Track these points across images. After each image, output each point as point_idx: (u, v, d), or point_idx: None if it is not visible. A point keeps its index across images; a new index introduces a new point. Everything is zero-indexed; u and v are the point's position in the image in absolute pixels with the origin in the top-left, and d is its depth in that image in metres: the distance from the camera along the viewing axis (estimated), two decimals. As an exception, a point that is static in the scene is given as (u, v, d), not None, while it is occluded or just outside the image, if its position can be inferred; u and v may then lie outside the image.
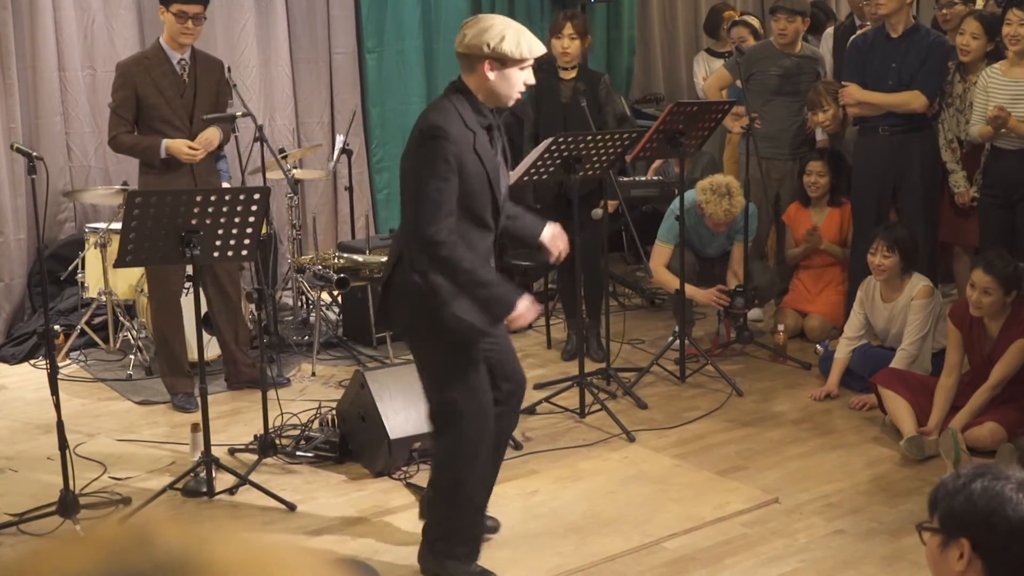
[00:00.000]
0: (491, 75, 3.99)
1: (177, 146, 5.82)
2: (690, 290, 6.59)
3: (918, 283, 6.05)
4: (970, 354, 5.50)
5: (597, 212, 6.45)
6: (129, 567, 0.67)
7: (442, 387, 4.07)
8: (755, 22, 8.41)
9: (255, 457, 5.28)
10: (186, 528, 0.73)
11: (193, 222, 4.69)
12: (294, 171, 7.20)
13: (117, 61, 6.26)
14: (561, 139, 5.58)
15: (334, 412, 5.56)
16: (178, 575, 0.67)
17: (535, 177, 5.80)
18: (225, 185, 6.95)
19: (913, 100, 6.45)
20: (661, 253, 6.84)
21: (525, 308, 3.92)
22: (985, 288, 5.27)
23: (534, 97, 6.64)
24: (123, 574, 0.67)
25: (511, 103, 4.12)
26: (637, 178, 8.06)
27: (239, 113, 5.91)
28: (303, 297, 7.52)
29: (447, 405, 4.06)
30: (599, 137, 5.71)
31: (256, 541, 0.73)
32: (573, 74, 6.64)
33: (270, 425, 5.39)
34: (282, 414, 5.72)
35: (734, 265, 6.92)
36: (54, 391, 4.65)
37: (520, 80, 4.06)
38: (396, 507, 4.90)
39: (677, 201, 6.59)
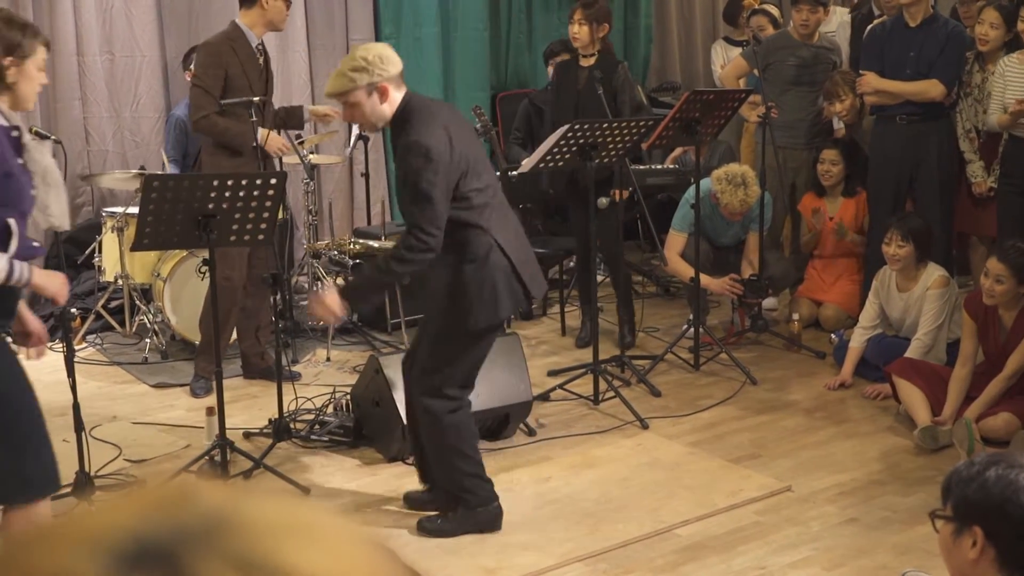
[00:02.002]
0: None
1: (274, 140, 5.86)
2: (704, 279, 6.59)
3: (934, 273, 6.03)
4: (985, 344, 5.49)
5: (603, 201, 6.44)
6: (172, 521, 0.68)
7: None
8: (775, 11, 8.39)
9: (270, 441, 5.30)
10: (228, 488, 0.74)
11: (210, 206, 4.70)
12: (310, 157, 7.21)
13: (203, 40, 6.23)
14: (577, 126, 5.58)
15: (348, 397, 5.57)
16: (221, 531, 0.68)
17: (551, 164, 5.81)
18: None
19: (931, 89, 6.43)
20: (676, 241, 6.83)
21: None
22: (998, 276, 5.26)
23: (556, 84, 6.63)
24: (166, 527, 0.68)
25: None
26: (653, 166, 8.06)
27: (256, 99, 5.91)
28: (319, 282, 7.53)
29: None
30: (615, 124, 5.71)
31: (295, 505, 0.74)
32: (591, 61, 6.62)
33: (285, 409, 5.41)
34: (297, 399, 5.74)
35: (749, 254, 6.92)
36: (70, 374, 4.67)
37: None
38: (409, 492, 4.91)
39: (692, 189, 6.59)
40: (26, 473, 3.57)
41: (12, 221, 3.56)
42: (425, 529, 4.54)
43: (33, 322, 3.87)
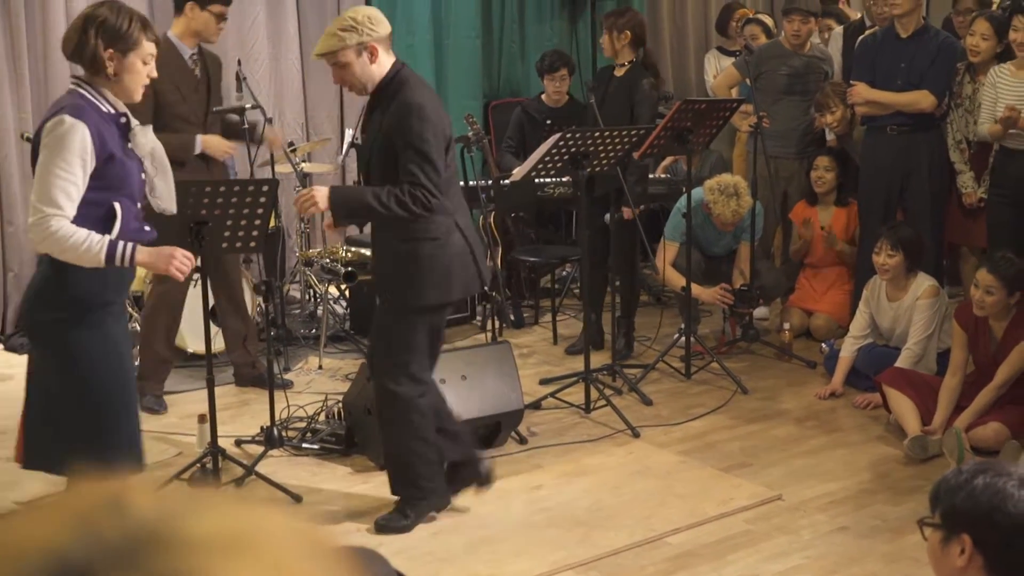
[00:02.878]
0: None
1: (215, 142, 5.77)
2: (695, 289, 6.61)
3: (924, 283, 6.06)
4: (975, 354, 5.51)
5: (608, 218, 6.48)
6: (97, 536, 0.64)
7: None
8: (768, 21, 8.43)
9: (261, 448, 5.30)
10: (164, 497, 0.69)
11: (202, 212, 4.70)
12: (303, 165, 7.22)
13: None
14: (569, 135, 5.60)
15: (340, 405, 5.58)
16: (148, 549, 0.63)
17: (543, 173, 5.83)
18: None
19: (922, 100, 6.46)
20: (668, 251, 6.85)
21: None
22: (988, 287, 5.28)
23: (593, 92, 6.65)
24: (90, 543, 0.64)
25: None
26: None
27: (248, 106, 5.92)
28: (311, 290, 7.54)
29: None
30: (607, 133, 5.72)
31: (239, 513, 0.69)
32: (622, 71, 6.66)
33: (277, 417, 5.42)
34: (288, 406, 5.74)
35: (740, 264, 6.94)
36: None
37: None
38: (401, 500, 4.92)
39: (684, 199, 6.61)
40: (103, 456, 3.68)
41: (117, 204, 3.66)
42: (384, 528, 4.57)
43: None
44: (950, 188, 6.73)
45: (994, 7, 7.31)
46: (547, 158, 5.65)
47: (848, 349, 6.26)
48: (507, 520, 4.70)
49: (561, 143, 5.59)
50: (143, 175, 3.80)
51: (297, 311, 7.62)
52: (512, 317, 7.52)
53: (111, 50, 3.69)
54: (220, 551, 0.64)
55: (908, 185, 6.63)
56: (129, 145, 3.76)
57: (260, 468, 5.07)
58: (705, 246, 6.96)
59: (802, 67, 7.41)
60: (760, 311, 7.40)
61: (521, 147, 7.77)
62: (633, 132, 5.85)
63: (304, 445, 5.44)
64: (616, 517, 4.73)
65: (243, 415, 5.90)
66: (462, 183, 7.28)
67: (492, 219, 7.47)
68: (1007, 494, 2.27)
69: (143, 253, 3.67)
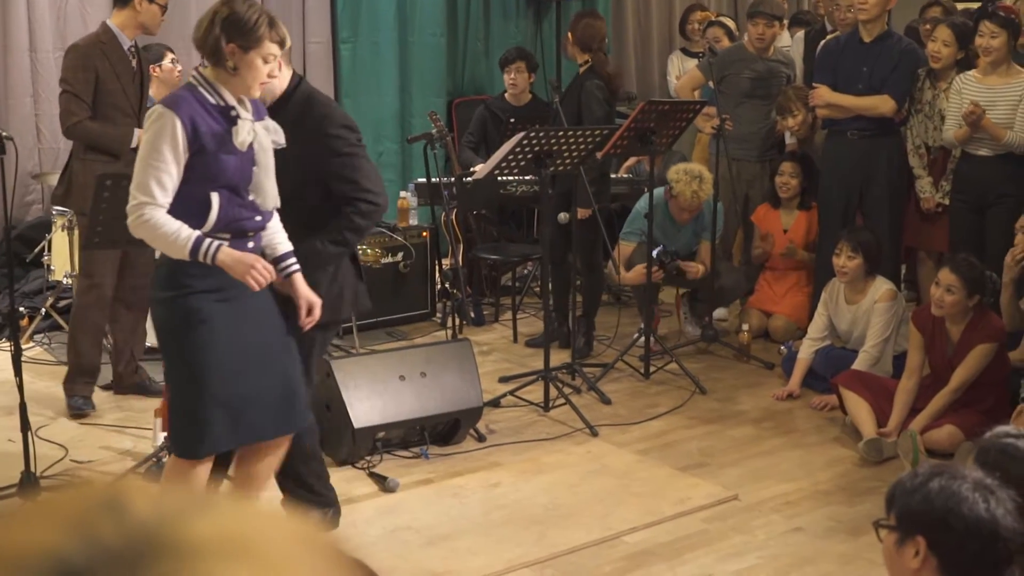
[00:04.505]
0: None
1: None
2: (631, 274, 6.70)
3: (882, 286, 6.11)
4: (931, 357, 5.56)
5: (563, 216, 6.49)
6: (96, 539, 0.63)
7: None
8: (731, 24, 8.46)
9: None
10: (163, 498, 0.67)
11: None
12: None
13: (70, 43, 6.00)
14: (532, 134, 5.61)
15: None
16: (148, 552, 0.62)
17: (506, 171, 5.83)
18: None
19: (882, 104, 6.51)
20: (623, 249, 6.89)
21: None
22: (949, 286, 5.33)
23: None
24: (89, 546, 0.62)
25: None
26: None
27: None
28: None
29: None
30: (570, 133, 5.73)
31: (239, 516, 0.67)
32: (581, 72, 6.69)
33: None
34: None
35: (702, 261, 6.96)
36: (17, 373, 4.64)
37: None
38: (359, 495, 4.91)
39: (645, 199, 6.63)
40: (182, 431, 3.82)
41: (215, 195, 3.68)
42: None
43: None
44: (909, 193, 6.79)
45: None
46: (510, 156, 5.65)
47: (806, 351, 6.30)
48: (464, 517, 4.70)
49: (524, 142, 5.59)
50: (254, 168, 3.79)
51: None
52: (472, 315, 7.52)
53: (232, 44, 3.70)
54: (220, 555, 0.63)
55: (867, 189, 6.68)
56: (235, 142, 3.75)
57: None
58: (666, 245, 6.98)
59: (765, 71, 7.44)
60: (719, 312, 7.44)
61: (481, 143, 7.77)
62: (597, 132, 5.86)
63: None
64: (573, 515, 4.74)
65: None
66: (424, 180, 7.32)
67: (454, 216, 7.47)
68: (962, 497, 2.29)
69: (225, 255, 3.65)
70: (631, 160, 8.07)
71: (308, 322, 3.96)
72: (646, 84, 9.99)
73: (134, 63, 5.74)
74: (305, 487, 4.40)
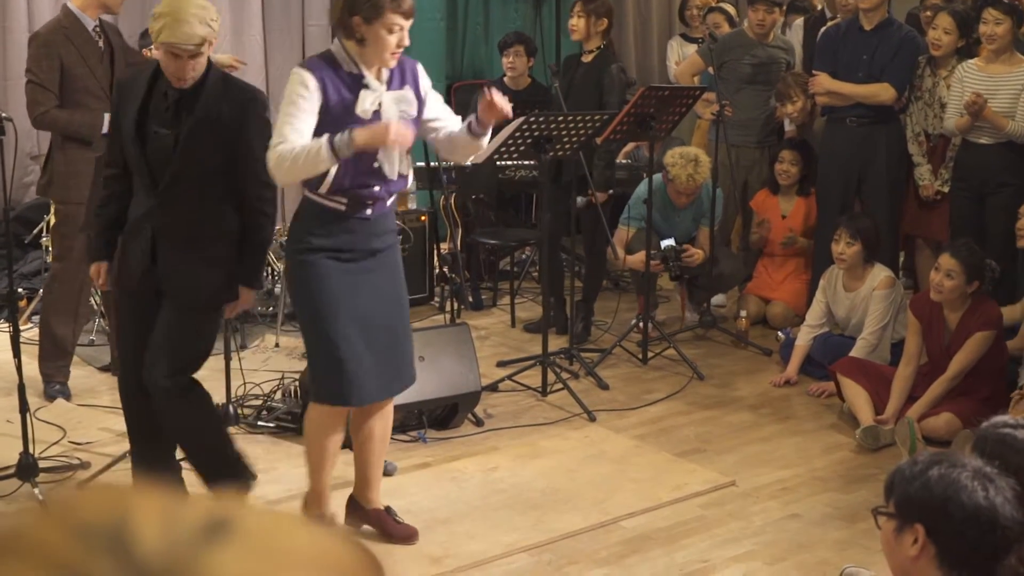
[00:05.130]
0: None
1: None
2: (632, 259, 6.69)
3: (880, 273, 6.11)
4: (929, 345, 5.57)
5: (579, 200, 6.49)
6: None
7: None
8: (731, 9, 8.44)
9: (217, 425, 5.27)
10: (174, 525, 0.58)
11: (161, 188, 4.66)
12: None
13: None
14: (532, 119, 5.60)
15: (296, 383, 5.56)
16: None
17: (505, 156, 5.82)
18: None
19: (882, 92, 6.51)
20: (622, 234, 6.88)
21: None
22: (949, 271, 5.33)
23: (560, 78, 6.61)
24: None
25: (173, 84, 4.05)
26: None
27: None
28: (268, 268, 7.50)
29: None
30: (570, 118, 5.72)
31: (260, 547, 0.59)
32: (590, 57, 6.64)
33: (232, 395, 5.40)
34: (244, 384, 5.72)
35: (701, 247, 6.96)
36: (16, 354, 4.63)
37: (164, 63, 4.04)
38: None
39: (644, 185, 6.63)
40: (316, 379, 4.13)
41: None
42: None
43: None
44: (908, 180, 6.78)
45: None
46: (510, 141, 5.64)
47: (804, 337, 6.31)
48: (462, 501, 4.71)
49: (524, 126, 5.58)
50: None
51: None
52: (471, 299, 7.52)
53: (357, 16, 3.85)
54: None
55: (866, 176, 6.68)
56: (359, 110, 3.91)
57: (215, 445, 5.04)
58: (664, 231, 6.98)
59: (766, 57, 7.43)
60: (717, 298, 7.44)
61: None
62: (596, 117, 5.85)
63: (259, 423, 5.42)
64: (571, 500, 4.75)
65: (198, 392, 5.85)
66: (423, 164, 7.31)
67: (453, 201, 7.46)
68: (961, 485, 2.30)
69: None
70: (629, 145, 8.05)
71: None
72: (646, 70, 9.97)
73: (101, 43, 5.61)
74: (229, 463, 4.46)
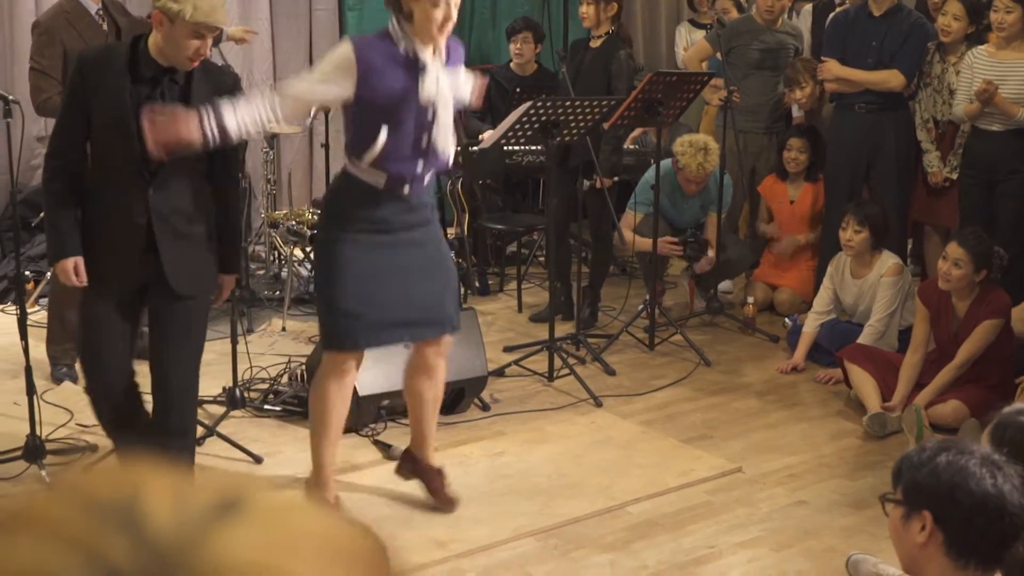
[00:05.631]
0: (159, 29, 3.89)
1: None
2: (643, 241, 6.66)
3: (888, 260, 6.10)
4: (937, 332, 5.56)
5: (585, 183, 6.47)
6: (105, 565, 0.54)
7: None
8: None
9: (223, 409, 5.28)
10: (184, 502, 0.58)
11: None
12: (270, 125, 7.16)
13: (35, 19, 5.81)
14: (540, 103, 5.59)
15: (303, 367, 5.56)
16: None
17: (512, 141, 5.81)
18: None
19: (891, 79, 6.49)
20: (630, 220, 6.87)
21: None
22: (956, 260, 5.32)
23: (567, 63, 6.60)
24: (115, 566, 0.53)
25: (179, 65, 3.92)
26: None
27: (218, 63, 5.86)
28: (275, 252, 7.51)
29: None
30: (577, 103, 5.71)
31: (270, 525, 0.58)
32: (599, 43, 6.61)
33: (239, 378, 5.40)
34: (251, 367, 5.72)
35: (708, 235, 6.96)
36: (23, 336, 4.64)
37: (183, 43, 3.84)
38: (363, 463, 4.92)
39: (652, 170, 6.62)
40: (326, 329, 4.21)
41: (383, 129, 3.91)
42: None
43: None
44: (916, 167, 6.77)
45: None
46: (517, 126, 5.63)
47: (811, 324, 6.30)
48: (468, 486, 4.70)
49: (532, 111, 5.57)
50: (429, 116, 3.98)
51: (261, 272, 7.58)
52: (477, 284, 7.51)
53: None
54: None
55: (875, 163, 6.66)
56: (417, 86, 3.94)
57: (221, 428, 5.05)
58: (672, 217, 6.97)
59: (774, 43, 7.41)
60: (724, 284, 7.43)
61: (488, 112, 7.74)
62: (604, 102, 5.84)
63: (266, 407, 5.43)
64: (577, 485, 4.75)
65: (205, 375, 5.78)
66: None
67: (460, 186, 7.45)
68: (969, 472, 2.29)
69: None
70: (637, 131, 8.04)
71: None
72: (653, 55, 9.94)
73: (104, 25, 5.56)
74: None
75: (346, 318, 4.07)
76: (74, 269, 3.99)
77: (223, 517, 0.57)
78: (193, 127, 3.72)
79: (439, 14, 3.85)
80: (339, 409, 4.26)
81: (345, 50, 3.88)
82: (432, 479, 4.52)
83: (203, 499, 0.58)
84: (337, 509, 4.30)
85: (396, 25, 3.93)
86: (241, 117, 3.81)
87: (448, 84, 3.99)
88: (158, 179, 3.93)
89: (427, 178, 4.12)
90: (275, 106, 3.87)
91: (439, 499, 4.49)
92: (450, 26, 3.93)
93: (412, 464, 4.57)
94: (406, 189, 4.03)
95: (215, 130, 3.75)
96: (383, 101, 3.89)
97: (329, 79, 3.90)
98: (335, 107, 4.09)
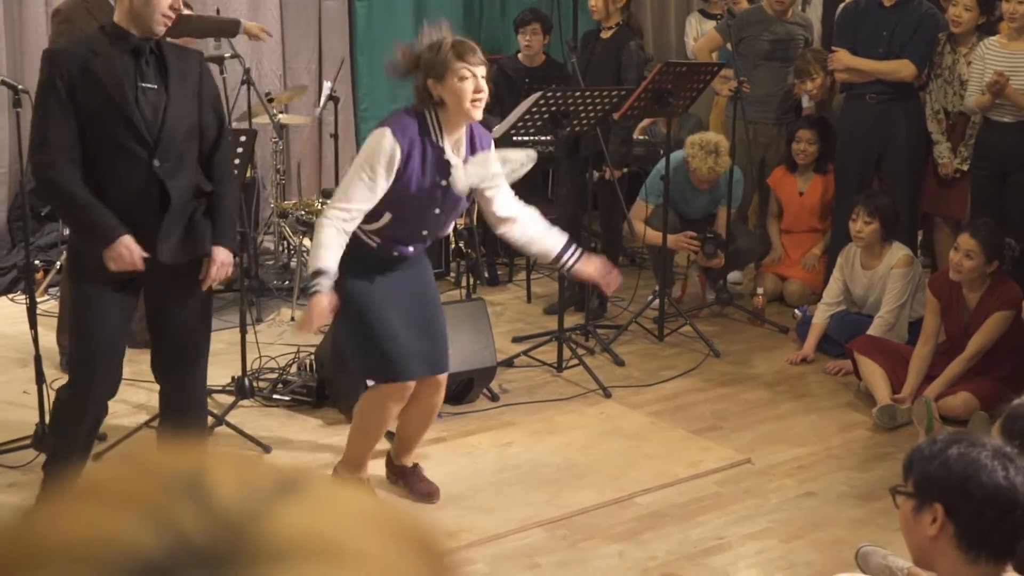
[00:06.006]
0: None
1: None
2: (652, 234, 6.64)
3: (898, 252, 6.08)
4: (947, 324, 5.54)
5: (593, 174, 6.47)
6: (180, 535, 0.55)
7: None
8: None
9: (232, 398, 5.29)
10: (247, 479, 0.59)
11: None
12: (280, 116, 7.17)
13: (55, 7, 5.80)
14: (549, 94, 5.58)
15: (312, 357, 5.57)
16: (235, 556, 0.54)
17: (522, 131, 5.80)
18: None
19: (902, 69, 6.46)
20: (640, 210, 6.86)
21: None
22: (968, 251, 5.30)
23: (579, 54, 6.58)
24: (173, 544, 0.54)
25: (152, 28, 3.86)
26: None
27: (227, 55, 5.86)
28: (284, 242, 7.50)
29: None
30: (587, 93, 5.70)
31: (329, 503, 0.60)
32: (609, 34, 6.59)
33: (248, 368, 5.40)
34: (260, 357, 5.72)
35: (719, 229, 6.94)
36: (32, 326, 4.64)
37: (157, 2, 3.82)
38: (372, 452, 4.91)
39: (663, 162, 6.60)
40: (380, 361, 4.18)
41: (388, 215, 4.00)
42: None
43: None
44: (927, 158, 6.74)
45: None
46: (527, 116, 5.63)
47: (821, 315, 6.28)
48: (477, 477, 4.71)
49: (541, 101, 5.56)
50: (438, 209, 4.08)
51: (270, 262, 7.58)
52: (486, 274, 7.51)
53: (430, 79, 3.93)
54: (312, 557, 0.56)
55: (885, 154, 6.64)
56: (444, 182, 4.01)
57: (230, 418, 5.06)
58: (682, 208, 6.96)
59: (784, 34, 7.39)
60: (734, 275, 7.42)
61: (496, 104, 7.71)
62: (614, 92, 5.83)
63: (275, 396, 5.43)
64: (586, 476, 4.75)
65: (214, 365, 5.81)
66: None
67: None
68: (980, 464, 2.28)
69: (311, 301, 3.90)
70: (645, 121, 8.02)
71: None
72: (663, 45, 9.91)
73: None
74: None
75: (403, 349, 4.14)
76: (130, 247, 3.85)
77: (285, 495, 0.59)
78: (325, 303, 3.89)
79: (469, 86, 3.90)
80: (387, 426, 4.45)
81: (393, 147, 3.91)
82: (407, 478, 4.61)
83: (265, 478, 0.60)
84: (371, 488, 4.49)
85: (430, 116, 3.98)
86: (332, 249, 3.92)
87: (474, 175, 4.07)
88: (162, 155, 3.88)
89: (420, 248, 4.24)
90: (344, 228, 3.94)
91: (415, 495, 4.55)
92: (483, 98, 3.96)
93: (389, 468, 4.67)
94: (396, 254, 4.15)
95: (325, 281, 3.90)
96: (401, 192, 3.96)
97: (379, 179, 3.92)
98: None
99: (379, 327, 4.13)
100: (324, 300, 3.86)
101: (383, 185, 3.92)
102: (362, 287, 4.11)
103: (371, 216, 3.99)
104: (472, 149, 4.10)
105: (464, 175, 4.02)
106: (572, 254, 4.31)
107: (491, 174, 4.14)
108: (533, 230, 4.32)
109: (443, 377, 4.37)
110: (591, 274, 4.35)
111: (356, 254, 4.03)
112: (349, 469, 4.45)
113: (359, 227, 4.01)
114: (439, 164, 3.98)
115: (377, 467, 4.69)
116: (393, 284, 4.16)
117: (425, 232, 4.15)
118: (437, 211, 4.08)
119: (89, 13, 5.44)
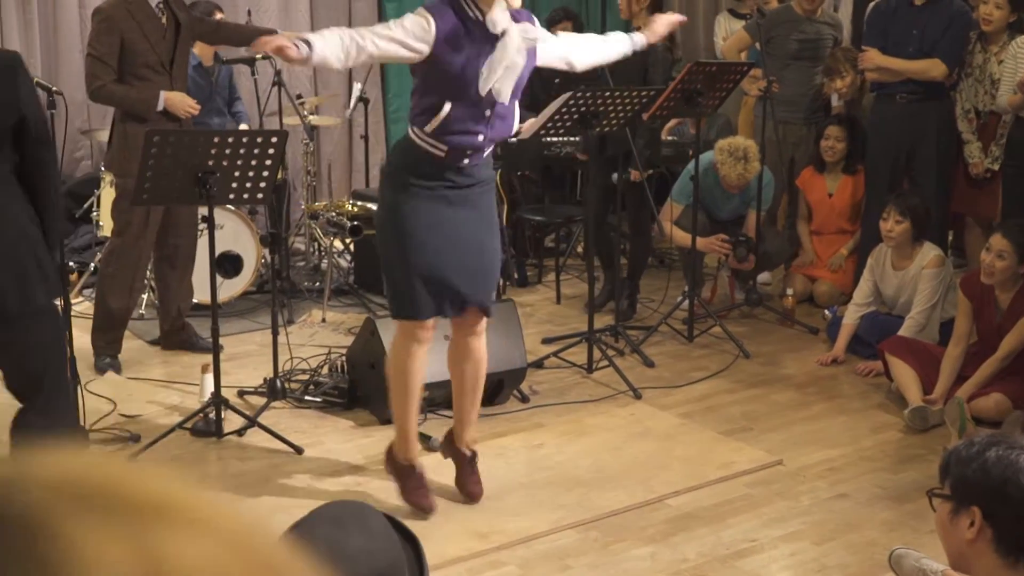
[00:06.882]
0: None
1: (179, 100, 5.60)
2: (681, 236, 6.63)
3: (929, 252, 6.05)
4: (979, 325, 5.52)
5: (614, 177, 6.46)
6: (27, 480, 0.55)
7: None
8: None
9: (264, 400, 5.32)
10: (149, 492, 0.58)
11: (210, 163, 4.69)
12: (310, 118, 7.19)
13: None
14: (579, 94, 5.58)
15: (344, 358, 5.59)
16: (89, 494, 0.55)
17: (552, 132, 5.80)
18: (243, 127, 6.97)
19: (933, 68, 6.43)
20: (671, 211, 6.85)
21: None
22: (1000, 252, 5.28)
23: None
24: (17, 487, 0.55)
25: None
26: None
27: (258, 56, 5.89)
28: (315, 243, 7.53)
29: None
30: (616, 93, 5.70)
31: (234, 535, 0.59)
32: None
33: (280, 369, 5.43)
34: (292, 358, 5.75)
35: (748, 231, 6.92)
36: (67, 327, 4.68)
37: None
38: (403, 455, 4.93)
39: (693, 163, 6.59)
40: (394, 298, 4.24)
41: (447, 104, 3.97)
42: None
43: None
44: (957, 158, 6.71)
45: None
46: (556, 116, 5.63)
47: (851, 316, 6.26)
48: (507, 478, 4.71)
49: (571, 102, 5.56)
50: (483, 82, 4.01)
51: (302, 264, 7.62)
52: (516, 275, 7.52)
53: None
54: (163, 515, 0.56)
55: (915, 153, 6.62)
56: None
57: (262, 419, 5.08)
58: (712, 209, 6.95)
59: (813, 33, 7.37)
60: (763, 276, 7.40)
61: (532, 102, 7.73)
62: (643, 93, 5.82)
63: (307, 398, 5.45)
64: (616, 478, 4.75)
65: (246, 366, 5.90)
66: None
67: (499, 177, 7.45)
68: (1019, 467, 2.28)
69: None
70: (673, 121, 8.02)
71: None
72: (692, 45, 9.90)
73: (163, 19, 5.62)
74: None
75: (419, 287, 4.12)
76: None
77: (37, 463, 0.58)
78: (286, 42, 3.80)
79: None
80: (419, 375, 4.33)
81: (421, 18, 3.90)
82: (461, 466, 4.55)
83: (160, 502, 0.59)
84: (421, 480, 4.43)
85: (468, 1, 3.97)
86: (327, 39, 3.85)
87: (519, 47, 4.01)
88: None
89: (487, 151, 4.18)
90: (359, 41, 3.86)
91: (461, 488, 4.53)
92: None
93: (449, 446, 4.62)
94: (466, 161, 4.10)
95: (300, 42, 3.80)
96: (452, 72, 3.93)
97: (409, 37, 3.89)
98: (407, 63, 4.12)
99: (408, 256, 4.10)
100: (286, 41, 3.78)
101: (411, 40, 3.88)
102: (404, 213, 4.08)
103: (430, 110, 3.98)
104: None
105: (510, 40, 3.98)
106: (636, 39, 4.56)
107: (535, 37, 4.11)
108: (597, 46, 4.56)
109: (476, 318, 4.32)
110: (662, 30, 4.70)
111: (424, 170, 4.05)
112: (398, 447, 4.42)
113: (424, 137, 4.02)
114: (480, 36, 3.95)
115: (371, 462, 4.70)
116: (444, 209, 4.11)
117: (481, 137, 4.06)
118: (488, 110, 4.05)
119: (129, 15, 5.51)
